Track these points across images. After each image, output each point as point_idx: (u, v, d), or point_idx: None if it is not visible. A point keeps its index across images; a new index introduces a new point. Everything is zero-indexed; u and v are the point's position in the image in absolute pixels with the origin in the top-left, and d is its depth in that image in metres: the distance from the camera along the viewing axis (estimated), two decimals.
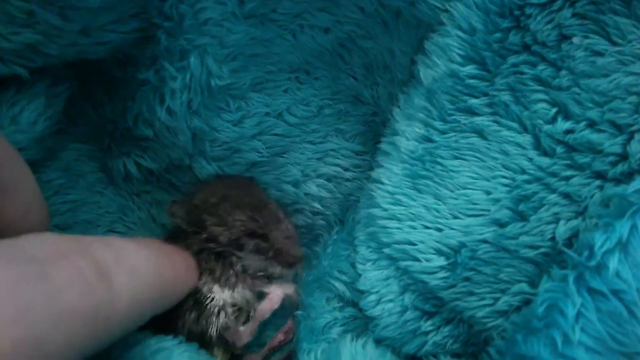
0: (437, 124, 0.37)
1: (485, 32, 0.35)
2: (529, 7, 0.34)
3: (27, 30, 0.34)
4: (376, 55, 0.44)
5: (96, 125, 0.45)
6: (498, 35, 0.35)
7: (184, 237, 0.42)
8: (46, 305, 0.23)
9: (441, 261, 0.36)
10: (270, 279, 0.44)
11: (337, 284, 0.42)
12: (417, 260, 0.37)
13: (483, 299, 0.35)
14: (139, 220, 0.48)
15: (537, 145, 0.34)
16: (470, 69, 0.36)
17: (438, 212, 0.37)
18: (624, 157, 0.32)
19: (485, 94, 0.35)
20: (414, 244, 0.37)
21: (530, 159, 0.34)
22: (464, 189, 0.36)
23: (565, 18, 0.33)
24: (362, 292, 0.40)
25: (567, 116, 0.33)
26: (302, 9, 0.42)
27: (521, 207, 0.34)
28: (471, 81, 0.36)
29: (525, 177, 0.34)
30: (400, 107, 0.40)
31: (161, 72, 0.39)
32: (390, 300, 0.39)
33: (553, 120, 0.34)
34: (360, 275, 0.40)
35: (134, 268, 0.30)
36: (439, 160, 0.37)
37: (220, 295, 0.42)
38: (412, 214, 0.38)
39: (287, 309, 0.45)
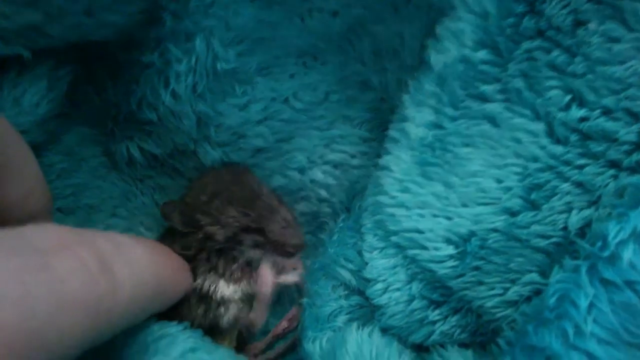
0: (448, 110, 0.37)
1: (498, 17, 0.35)
2: None
3: (29, 9, 0.33)
4: (385, 40, 0.43)
5: (99, 108, 0.45)
6: (512, 20, 0.34)
7: (180, 235, 0.42)
8: (47, 295, 0.23)
9: (450, 250, 0.36)
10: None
11: (343, 272, 0.42)
12: (425, 248, 0.37)
13: (493, 288, 0.35)
14: (142, 205, 0.48)
15: (551, 133, 0.34)
16: (482, 54, 0.35)
17: (447, 200, 0.37)
18: (639, 145, 0.31)
19: (498, 80, 0.35)
20: (422, 232, 0.37)
21: (543, 147, 0.34)
22: (475, 177, 0.36)
23: (581, 3, 0.32)
24: (368, 280, 0.40)
25: (582, 103, 0.33)
26: None
27: (533, 195, 0.34)
28: (483, 67, 0.35)
29: (538, 165, 0.34)
30: (409, 93, 0.40)
31: (166, 55, 0.39)
32: (397, 289, 0.39)
33: (567, 107, 0.33)
34: (366, 263, 0.40)
35: (134, 262, 0.30)
36: (449, 147, 0.37)
37: (226, 290, 0.42)
38: (421, 201, 0.38)
39: (291, 296, 0.45)
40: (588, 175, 0.33)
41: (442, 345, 0.38)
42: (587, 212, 0.33)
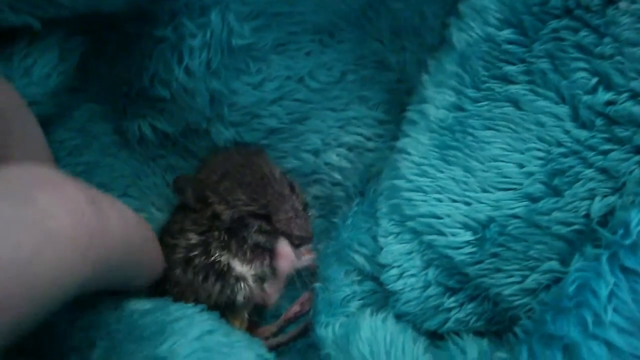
0: (470, 91, 0.37)
1: None
2: None
3: None
4: (405, 18, 0.43)
5: (111, 85, 0.45)
6: None
7: (192, 211, 0.43)
8: (33, 227, 0.23)
9: (468, 236, 0.36)
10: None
11: (357, 257, 0.42)
12: (443, 234, 0.37)
13: (511, 276, 0.35)
14: (153, 185, 0.49)
15: (575, 117, 0.34)
16: (507, 33, 0.35)
17: (467, 184, 0.37)
18: None
19: (523, 61, 0.35)
20: (440, 218, 0.37)
21: (567, 131, 0.34)
22: (496, 161, 0.36)
23: None
24: (383, 265, 0.40)
25: (609, 86, 0.33)
26: None
27: (555, 181, 0.34)
28: (508, 46, 0.35)
29: (561, 150, 0.34)
30: (429, 74, 0.40)
31: (180, 29, 0.39)
32: (413, 275, 0.39)
33: (593, 90, 0.33)
34: (381, 248, 0.40)
35: (122, 209, 0.30)
36: (469, 130, 0.37)
37: (239, 268, 0.43)
38: (439, 186, 0.37)
39: (303, 280, 0.45)
40: (613, 161, 0.33)
41: (457, 333, 0.38)
42: (610, 199, 0.33)
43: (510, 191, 0.35)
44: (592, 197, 0.33)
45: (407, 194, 0.39)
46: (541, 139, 0.34)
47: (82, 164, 0.45)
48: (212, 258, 0.42)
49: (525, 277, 0.35)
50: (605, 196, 0.33)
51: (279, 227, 0.43)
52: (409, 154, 0.39)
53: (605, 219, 0.32)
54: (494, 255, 0.35)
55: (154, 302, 0.35)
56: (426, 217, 0.38)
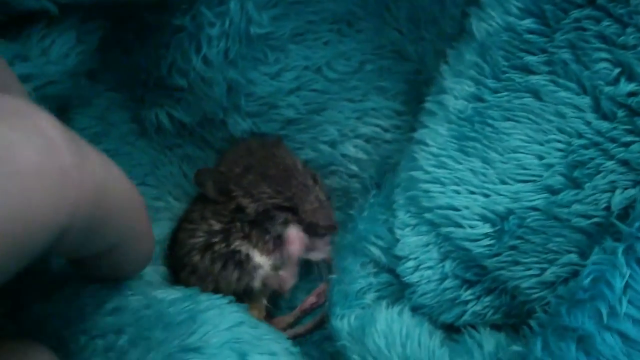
0: (489, 82, 0.37)
1: None
2: None
3: None
4: (424, 7, 0.43)
5: (129, 74, 0.46)
6: None
7: (210, 202, 0.44)
8: None
9: (486, 228, 0.36)
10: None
11: (373, 249, 0.43)
12: (460, 226, 0.37)
13: (529, 269, 0.35)
14: (170, 175, 0.50)
15: (597, 108, 0.34)
16: (528, 22, 0.35)
17: (485, 176, 0.37)
18: None
19: (544, 51, 0.35)
20: (458, 210, 0.37)
21: (588, 123, 0.34)
22: (515, 152, 0.36)
23: None
24: (399, 257, 0.40)
25: (631, 77, 0.33)
26: None
27: (576, 173, 0.34)
28: (529, 36, 0.35)
29: (582, 141, 0.34)
30: (448, 64, 0.40)
31: (198, 18, 0.39)
32: (430, 267, 0.39)
33: (615, 81, 0.33)
34: (398, 240, 0.40)
35: (106, 160, 0.27)
36: (489, 121, 0.37)
37: (258, 258, 0.43)
38: (457, 177, 0.38)
39: (319, 272, 0.46)
40: (634, 153, 0.33)
41: (474, 327, 0.38)
42: (631, 192, 0.33)
43: (530, 183, 0.35)
44: (612, 190, 0.33)
45: (424, 186, 0.39)
46: (561, 131, 0.35)
47: (102, 151, 0.46)
48: (232, 247, 0.43)
49: (543, 270, 0.35)
50: (626, 189, 0.33)
51: (304, 218, 0.44)
52: (426, 145, 0.39)
53: (626, 212, 0.33)
54: (513, 247, 0.36)
55: (183, 291, 0.36)
56: (444, 209, 0.38)
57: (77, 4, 0.37)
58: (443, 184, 0.38)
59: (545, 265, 0.35)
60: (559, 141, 0.35)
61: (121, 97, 0.47)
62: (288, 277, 0.45)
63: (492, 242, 0.36)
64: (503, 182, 0.36)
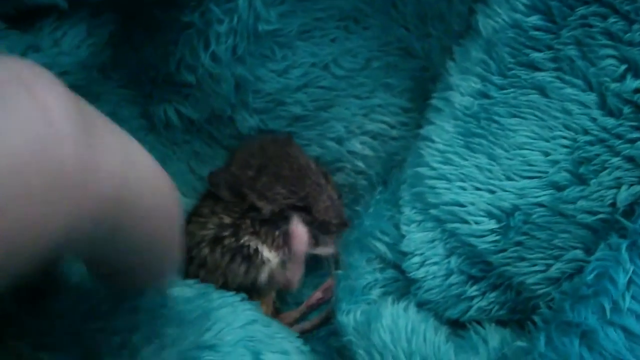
0: (496, 78, 0.37)
1: None
2: None
3: None
4: (431, 4, 0.43)
5: (138, 69, 0.46)
6: None
7: (221, 200, 0.44)
8: None
9: (492, 224, 0.37)
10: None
11: (379, 245, 0.43)
12: (466, 222, 0.37)
13: (535, 265, 0.36)
14: (178, 171, 0.50)
15: (603, 105, 0.34)
16: (534, 19, 0.35)
17: (491, 172, 0.37)
18: None
19: (550, 48, 0.35)
20: (464, 206, 0.38)
21: (594, 119, 0.34)
22: (521, 149, 0.36)
23: None
24: (405, 253, 0.40)
25: (637, 74, 0.33)
26: None
27: (582, 169, 0.34)
28: (535, 33, 0.35)
29: (588, 138, 0.34)
30: (455, 60, 0.40)
31: (207, 15, 0.40)
32: (435, 263, 0.39)
33: (621, 78, 0.33)
34: (404, 236, 0.40)
35: (128, 145, 0.23)
36: (495, 117, 0.37)
37: (267, 253, 0.44)
38: (463, 174, 0.38)
39: (326, 267, 0.46)
40: None
41: (479, 322, 0.39)
42: (637, 188, 0.33)
43: (536, 179, 0.36)
44: (618, 186, 0.33)
45: (430, 182, 0.39)
46: (567, 127, 0.35)
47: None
48: (242, 241, 0.44)
49: (549, 265, 0.35)
50: (631, 185, 0.33)
51: (318, 217, 0.45)
52: (433, 141, 0.40)
53: (632, 208, 0.33)
54: (518, 243, 0.36)
55: (195, 289, 0.36)
56: (449, 205, 0.38)
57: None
58: (449, 180, 0.39)
59: (550, 261, 0.35)
60: (564, 137, 0.35)
61: (131, 93, 0.47)
62: (295, 273, 0.46)
63: (497, 238, 0.37)
64: (509, 179, 0.37)
